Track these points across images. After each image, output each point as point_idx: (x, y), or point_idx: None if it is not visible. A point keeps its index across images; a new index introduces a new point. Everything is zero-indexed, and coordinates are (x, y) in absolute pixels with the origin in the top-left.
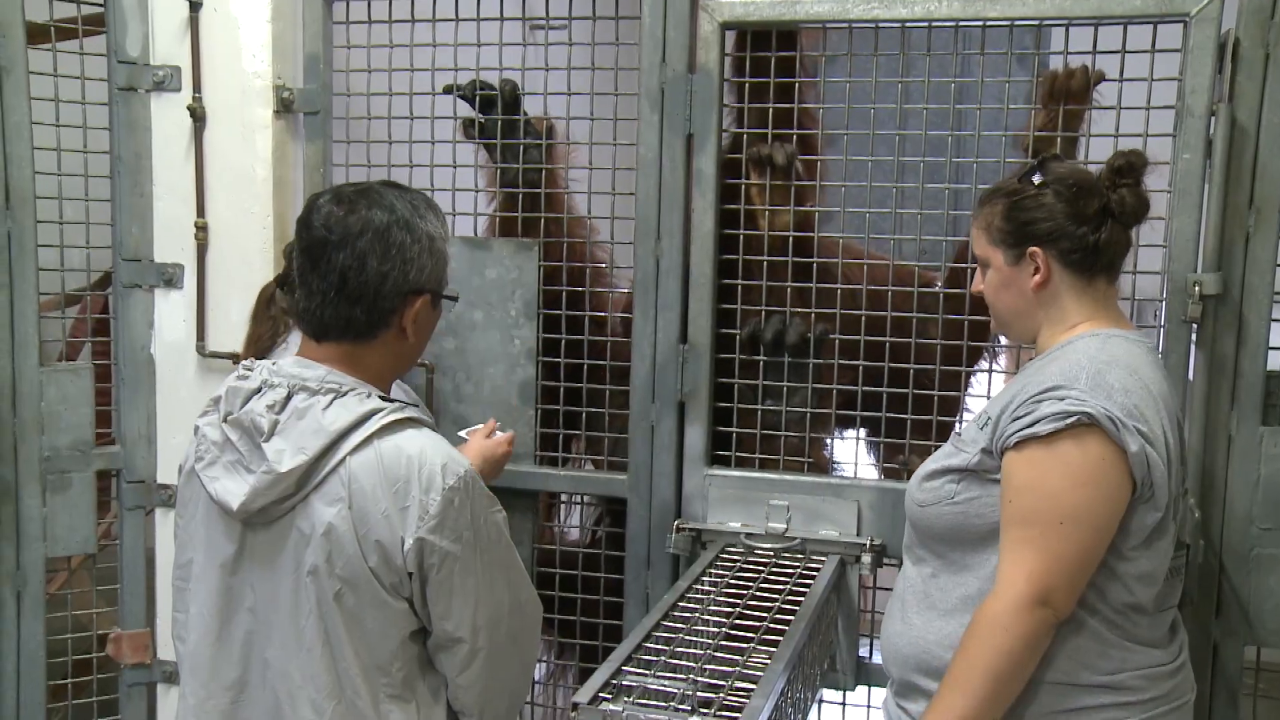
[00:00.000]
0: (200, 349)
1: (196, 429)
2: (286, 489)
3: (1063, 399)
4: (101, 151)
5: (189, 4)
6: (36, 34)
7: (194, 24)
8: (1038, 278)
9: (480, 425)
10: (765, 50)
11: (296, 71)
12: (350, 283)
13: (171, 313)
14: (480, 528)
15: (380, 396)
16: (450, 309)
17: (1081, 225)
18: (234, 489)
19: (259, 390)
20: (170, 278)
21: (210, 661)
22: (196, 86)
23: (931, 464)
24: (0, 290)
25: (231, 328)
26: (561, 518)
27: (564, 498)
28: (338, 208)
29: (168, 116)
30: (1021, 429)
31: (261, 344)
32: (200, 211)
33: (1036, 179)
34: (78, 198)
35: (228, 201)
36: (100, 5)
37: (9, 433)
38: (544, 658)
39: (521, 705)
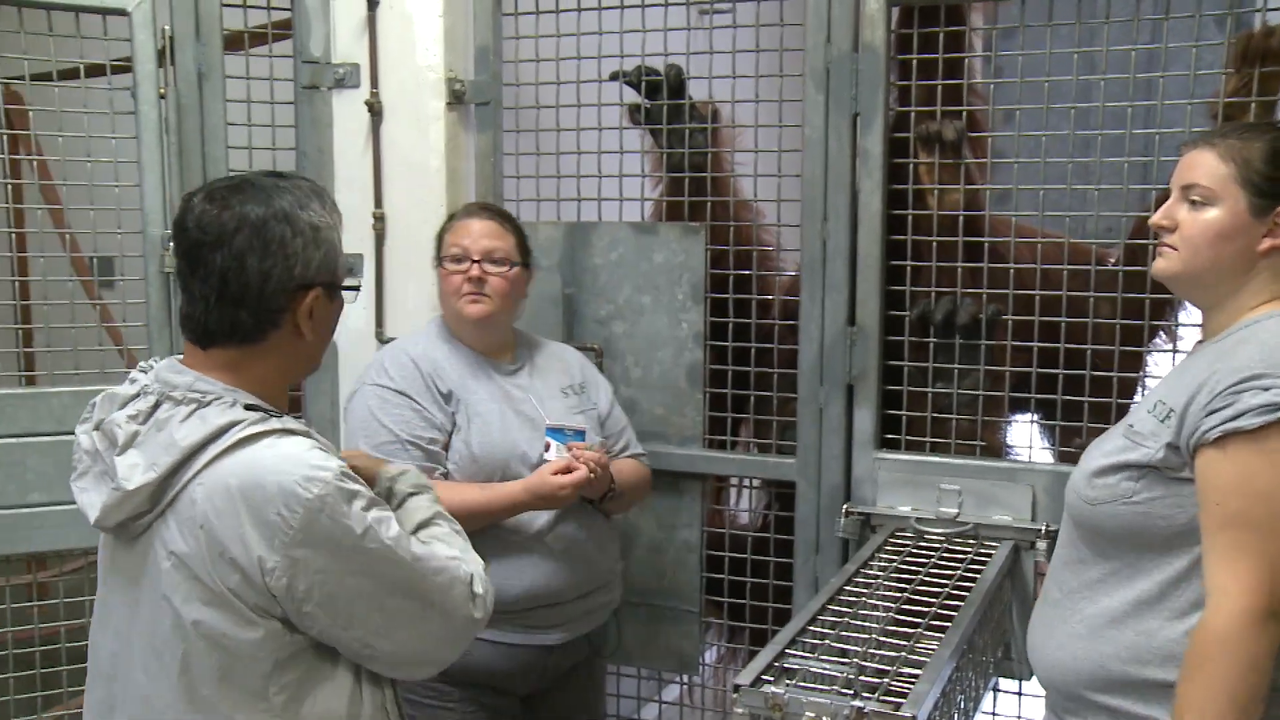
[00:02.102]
0: (379, 335)
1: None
2: (138, 506)
3: (1268, 388)
4: (288, 148)
5: (367, 2)
6: (231, 41)
7: (371, 22)
8: (1271, 242)
9: (574, 439)
10: (933, 26)
11: (467, 63)
12: (231, 284)
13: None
14: (353, 533)
15: (248, 405)
16: (351, 298)
17: None
18: (95, 501)
19: (136, 397)
20: (351, 267)
21: (90, 677)
22: (374, 82)
23: (1103, 459)
24: None
25: (408, 315)
26: (732, 501)
27: (733, 481)
28: (210, 205)
29: (347, 112)
30: (1222, 423)
31: None
32: (378, 202)
33: None
34: None
35: (403, 192)
36: (288, 9)
37: None
38: (714, 641)
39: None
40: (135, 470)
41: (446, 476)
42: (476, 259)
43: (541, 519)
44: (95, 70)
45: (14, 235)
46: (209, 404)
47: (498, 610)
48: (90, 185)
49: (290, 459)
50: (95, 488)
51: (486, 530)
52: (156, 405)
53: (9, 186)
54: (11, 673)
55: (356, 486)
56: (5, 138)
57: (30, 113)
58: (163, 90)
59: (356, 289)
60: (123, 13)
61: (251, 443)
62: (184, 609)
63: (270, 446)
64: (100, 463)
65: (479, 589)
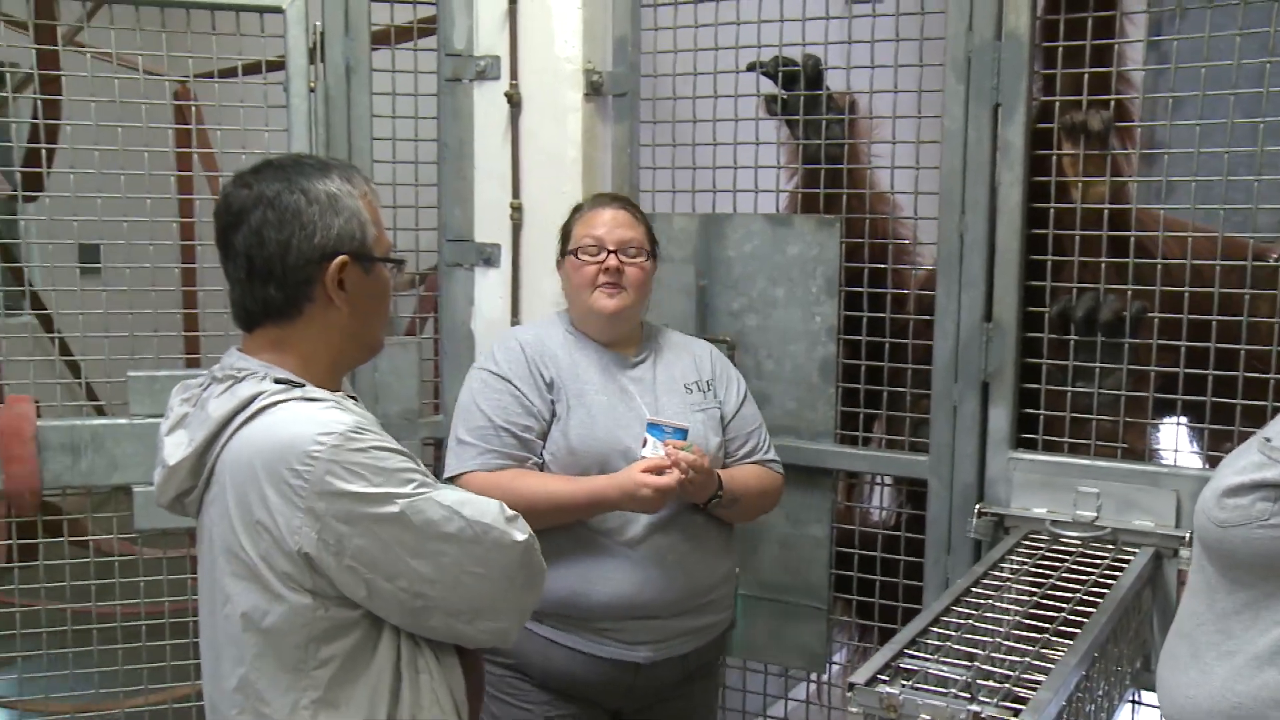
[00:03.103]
0: (515, 324)
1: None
2: (182, 483)
3: None
4: (430, 139)
5: None
6: (378, 36)
7: (512, 14)
8: None
9: (673, 438)
10: (1081, 11)
11: (605, 54)
12: (256, 261)
13: (489, 290)
14: (369, 480)
15: (277, 379)
16: (386, 271)
17: None
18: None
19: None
20: (489, 256)
21: None
22: (513, 74)
23: (1235, 476)
24: None
25: (544, 304)
26: (865, 497)
27: (865, 478)
28: (235, 187)
29: (487, 103)
30: None
31: None
32: (515, 193)
33: None
34: (408, 183)
35: (540, 183)
36: (433, 3)
37: None
38: (845, 640)
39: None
40: (179, 448)
41: (542, 467)
42: (613, 249)
43: (639, 524)
44: (252, 68)
45: (178, 225)
46: (243, 379)
47: (578, 616)
48: None
49: (303, 419)
50: None
51: (574, 529)
52: (206, 388)
53: (174, 178)
54: (168, 640)
55: (370, 437)
56: (172, 133)
57: (195, 108)
58: (313, 84)
59: (400, 264)
60: (278, 10)
61: (271, 410)
62: (227, 584)
63: (288, 411)
64: None
65: (510, 512)
